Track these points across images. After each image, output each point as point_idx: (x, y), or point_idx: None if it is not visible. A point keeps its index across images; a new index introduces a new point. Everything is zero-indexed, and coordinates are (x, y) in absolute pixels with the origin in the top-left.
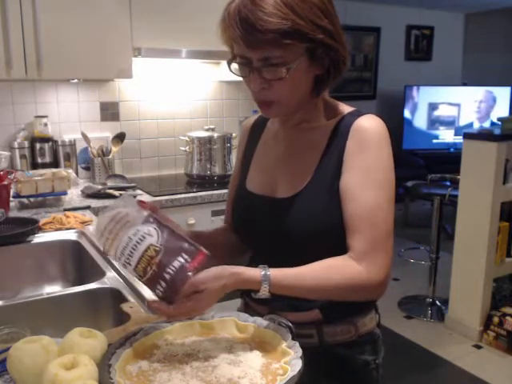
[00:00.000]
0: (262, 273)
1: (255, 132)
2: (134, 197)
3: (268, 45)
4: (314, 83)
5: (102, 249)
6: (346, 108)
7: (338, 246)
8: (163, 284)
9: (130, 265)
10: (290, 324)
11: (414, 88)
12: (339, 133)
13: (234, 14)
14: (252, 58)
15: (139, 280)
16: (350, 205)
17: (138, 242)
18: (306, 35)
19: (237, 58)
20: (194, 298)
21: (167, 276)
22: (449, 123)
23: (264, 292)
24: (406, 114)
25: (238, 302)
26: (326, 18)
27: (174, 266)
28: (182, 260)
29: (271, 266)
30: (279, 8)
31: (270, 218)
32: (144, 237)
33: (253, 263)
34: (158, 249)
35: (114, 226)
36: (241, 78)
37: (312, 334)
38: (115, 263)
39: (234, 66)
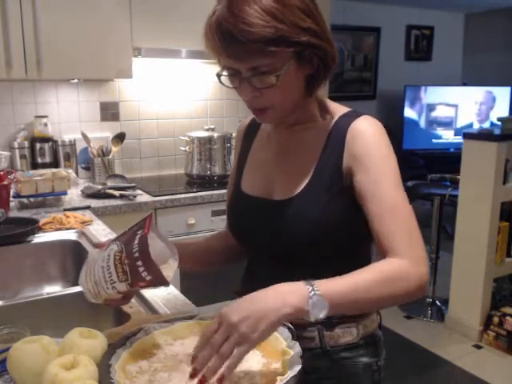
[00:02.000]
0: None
1: (250, 133)
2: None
3: (254, 54)
4: (305, 83)
5: (90, 300)
6: (341, 108)
7: (338, 247)
8: (139, 263)
9: (115, 282)
10: (290, 324)
11: (414, 88)
12: (336, 135)
13: (216, 28)
14: (240, 69)
15: (130, 287)
16: (371, 208)
17: (107, 261)
18: (290, 39)
19: (225, 69)
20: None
21: (136, 254)
22: (448, 123)
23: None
24: (406, 114)
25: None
26: (310, 18)
27: (135, 244)
28: (138, 235)
29: (270, 268)
30: (260, 16)
31: (268, 221)
32: (109, 254)
33: (251, 267)
34: (120, 249)
35: (90, 273)
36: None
37: (313, 336)
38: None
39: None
